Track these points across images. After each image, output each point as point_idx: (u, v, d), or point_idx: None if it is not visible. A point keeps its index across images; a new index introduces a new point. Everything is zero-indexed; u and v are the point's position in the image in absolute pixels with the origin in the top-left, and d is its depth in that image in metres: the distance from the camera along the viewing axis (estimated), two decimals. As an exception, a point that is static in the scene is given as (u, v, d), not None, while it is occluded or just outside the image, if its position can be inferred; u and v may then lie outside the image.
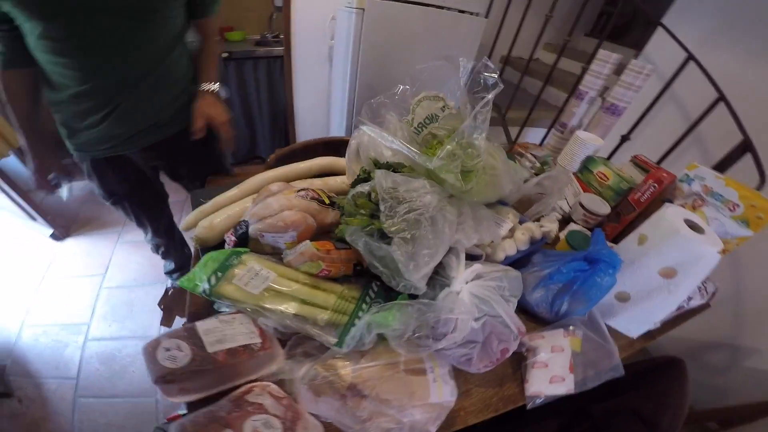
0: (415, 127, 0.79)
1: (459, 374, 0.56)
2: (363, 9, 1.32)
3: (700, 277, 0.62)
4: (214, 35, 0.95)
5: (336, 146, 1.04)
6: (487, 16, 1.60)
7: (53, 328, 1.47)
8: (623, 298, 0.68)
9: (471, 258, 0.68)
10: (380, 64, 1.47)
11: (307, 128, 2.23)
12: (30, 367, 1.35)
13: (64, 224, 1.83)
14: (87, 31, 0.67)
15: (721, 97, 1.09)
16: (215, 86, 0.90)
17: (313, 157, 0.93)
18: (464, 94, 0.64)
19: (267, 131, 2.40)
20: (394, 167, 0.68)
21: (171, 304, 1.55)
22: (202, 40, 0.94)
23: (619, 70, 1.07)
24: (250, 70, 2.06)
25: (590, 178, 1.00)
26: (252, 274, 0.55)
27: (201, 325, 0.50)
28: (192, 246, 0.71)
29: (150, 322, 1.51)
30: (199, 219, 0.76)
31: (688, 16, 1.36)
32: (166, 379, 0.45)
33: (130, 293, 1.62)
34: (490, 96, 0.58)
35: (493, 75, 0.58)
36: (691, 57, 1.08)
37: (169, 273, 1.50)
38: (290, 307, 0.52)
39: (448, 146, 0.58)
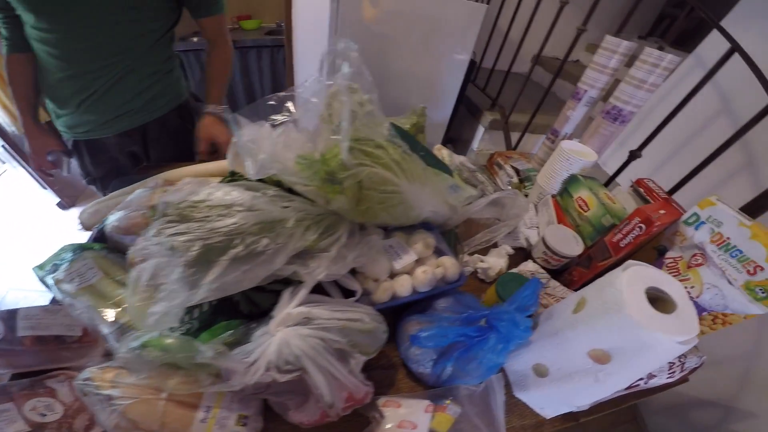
0: (336, 126, 0.65)
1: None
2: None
3: (644, 370, 0.42)
4: (221, 39, 0.92)
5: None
6: (490, 3, 1.36)
7: (33, 294, 1.55)
8: (540, 372, 0.49)
9: (348, 294, 0.53)
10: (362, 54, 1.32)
11: (308, 119, 2.16)
12: (1, 330, 1.42)
13: (72, 195, 1.97)
14: (69, 23, 0.72)
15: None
16: (220, 109, 0.91)
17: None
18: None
19: (268, 120, 2.39)
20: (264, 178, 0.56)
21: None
22: (210, 46, 0.92)
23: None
24: (254, 59, 2.02)
25: (569, 204, 0.78)
26: (80, 272, 0.53)
27: (23, 311, 0.51)
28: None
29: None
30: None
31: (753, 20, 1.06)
32: None
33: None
34: (340, 86, 0.43)
35: (352, 51, 0.43)
36: (735, 48, 0.78)
37: None
38: (99, 307, 0.50)
39: (262, 156, 0.44)
